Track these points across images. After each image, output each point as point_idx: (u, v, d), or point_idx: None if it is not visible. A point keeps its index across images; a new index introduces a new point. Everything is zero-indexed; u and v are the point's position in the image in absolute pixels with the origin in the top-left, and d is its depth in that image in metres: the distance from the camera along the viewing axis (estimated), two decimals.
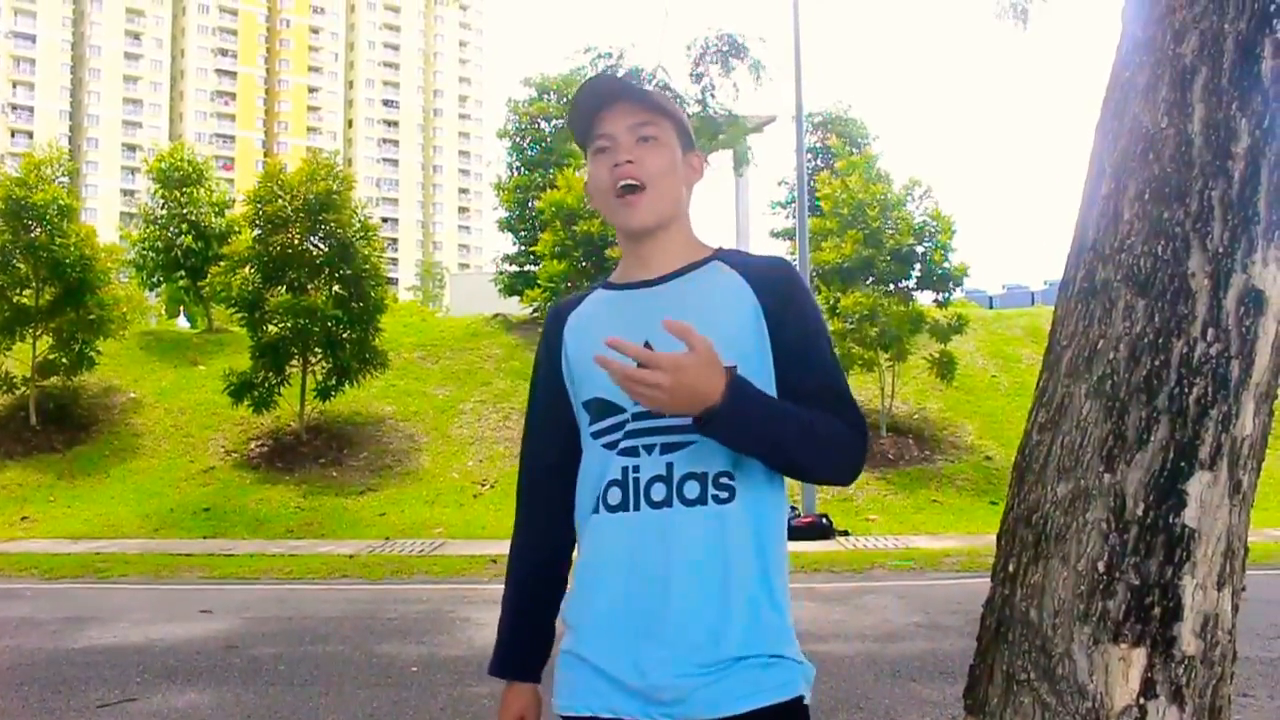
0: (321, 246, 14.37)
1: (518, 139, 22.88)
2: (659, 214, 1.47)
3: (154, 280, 20.13)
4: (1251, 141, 1.40)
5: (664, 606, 1.35)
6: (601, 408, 1.44)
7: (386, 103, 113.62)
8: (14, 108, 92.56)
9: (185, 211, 19.17)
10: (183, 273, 19.62)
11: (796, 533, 10.26)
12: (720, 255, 1.52)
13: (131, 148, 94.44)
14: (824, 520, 11.13)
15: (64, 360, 14.77)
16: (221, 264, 14.59)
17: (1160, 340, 1.40)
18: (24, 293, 14.81)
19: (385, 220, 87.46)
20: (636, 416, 1.40)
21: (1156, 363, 1.40)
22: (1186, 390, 1.39)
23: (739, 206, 20.39)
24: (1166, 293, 1.41)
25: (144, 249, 19.44)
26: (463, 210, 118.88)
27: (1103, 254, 1.48)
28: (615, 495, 1.40)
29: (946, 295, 14.98)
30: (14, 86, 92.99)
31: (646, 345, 1.32)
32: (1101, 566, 1.40)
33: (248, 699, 4.89)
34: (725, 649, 1.33)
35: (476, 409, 15.67)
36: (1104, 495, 1.41)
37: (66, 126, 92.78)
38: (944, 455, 14.20)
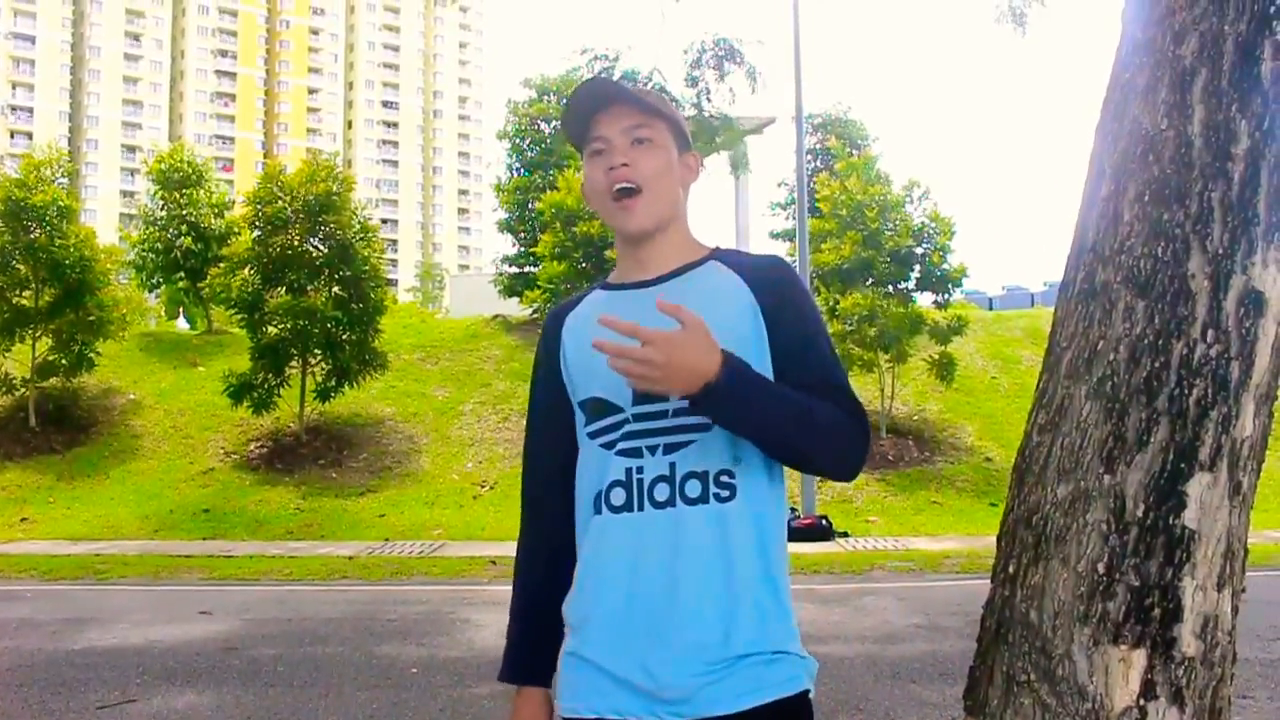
0: (321, 248, 14.37)
1: (517, 140, 22.90)
2: (656, 217, 1.47)
3: (153, 281, 20.14)
4: (1251, 143, 1.40)
5: (669, 606, 1.35)
6: (599, 407, 1.44)
7: (386, 104, 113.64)
8: (13, 109, 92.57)
9: (185, 213, 19.17)
10: (182, 274, 19.62)
11: (796, 534, 10.27)
12: (717, 255, 1.53)
13: (131, 149, 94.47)
14: (824, 522, 11.13)
15: (63, 361, 14.77)
16: (221, 265, 14.60)
17: (1160, 342, 1.41)
18: (23, 294, 14.81)
19: (385, 221, 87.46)
20: (636, 417, 1.41)
21: (1156, 364, 1.40)
22: (1186, 392, 1.39)
23: (739, 208, 20.39)
24: (1166, 294, 1.41)
25: (144, 250, 19.44)
26: (462, 211, 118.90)
27: (1103, 255, 1.48)
28: (619, 496, 1.39)
29: (946, 296, 14.99)
30: (14, 88, 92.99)
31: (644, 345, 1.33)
32: (1101, 568, 1.40)
33: (247, 700, 4.89)
34: (730, 647, 1.34)
35: (476, 410, 15.67)
36: (1104, 496, 1.41)
37: (66, 128, 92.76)
38: (944, 456, 14.20)
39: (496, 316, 19.78)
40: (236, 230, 17.54)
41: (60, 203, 14.94)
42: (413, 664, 5.63)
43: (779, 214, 27.23)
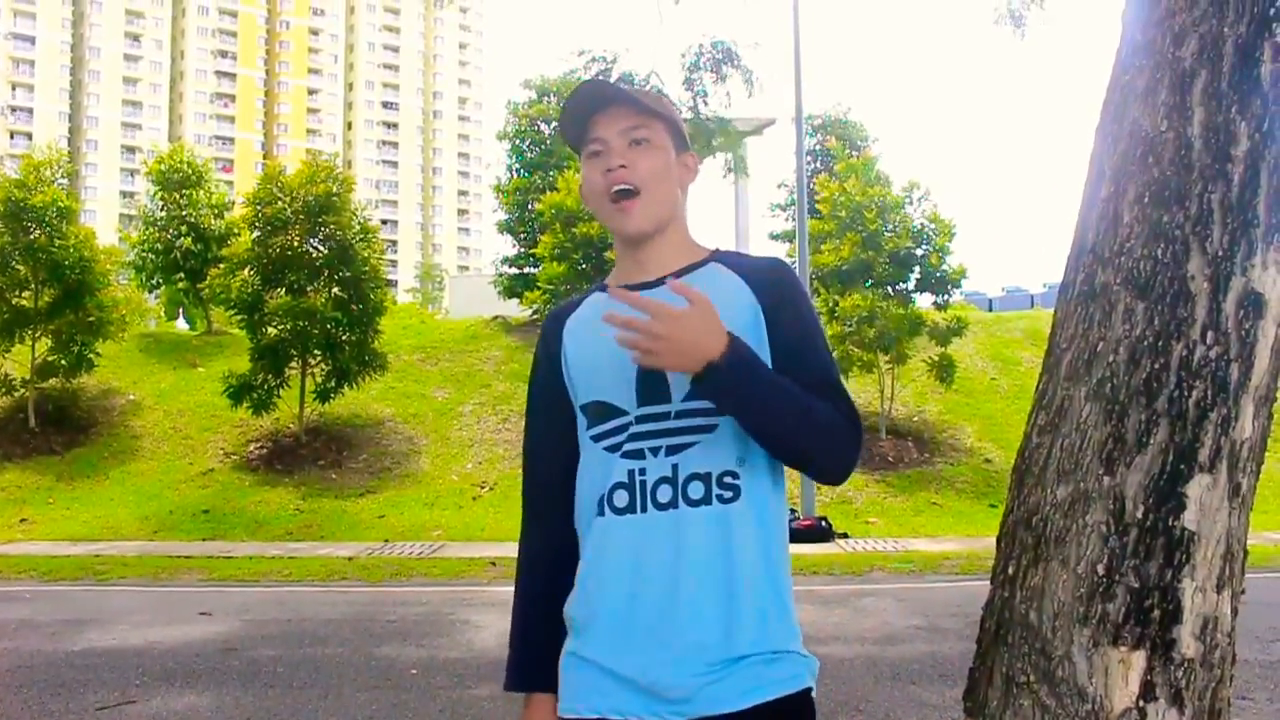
0: (321, 249, 14.36)
1: (517, 141, 22.89)
2: (654, 218, 1.47)
3: (153, 282, 20.12)
4: (1251, 145, 1.40)
5: (672, 607, 1.35)
6: (602, 410, 1.44)
7: (386, 105, 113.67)
8: (13, 109, 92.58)
9: (185, 213, 19.16)
10: (182, 275, 19.61)
11: (796, 535, 10.26)
12: (718, 257, 1.53)
13: (131, 149, 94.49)
14: (823, 523, 11.14)
15: (63, 362, 14.76)
16: (221, 266, 14.59)
17: (1160, 343, 1.41)
18: (23, 294, 14.81)
19: (385, 222, 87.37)
20: (640, 419, 1.41)
21: (1156, 366, 1.40)
22: (1186, 393, 1.39)
23: (738, 209, 20.39)
24: (1166, 296, 1.41)
25: (143, 251, 19.44)
26: (462, 212, 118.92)
27: (1102, 257, 1.49)
28: (622, 498, 1.40)
29: (945, 298, 14.99)
30: (13, 88, 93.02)
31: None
32: (1101, 569, 1.40)
33: (247, 701, 4.89)
34: (732, 648, 1.34)
35: (476, 411, 15.67)
36: (1104, 498, 1.41)
37: (66, 128, 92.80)
38: (943, 458, 14.20)
39: (496, 317, 19.78)
40: (236, 231, 17.52)
41: (60, 203, 14.93)
42: (412, 665, 5.63)
43: (779, 215, 27.25)
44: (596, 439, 1.44)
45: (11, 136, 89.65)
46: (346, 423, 15.13)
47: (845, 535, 11.20)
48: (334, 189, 14.39)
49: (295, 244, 14.08)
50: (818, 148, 25.56)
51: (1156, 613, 1.37)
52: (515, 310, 20.06)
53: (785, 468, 1.45)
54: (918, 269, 14.76)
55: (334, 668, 5.58)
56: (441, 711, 4.72)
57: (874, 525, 11.91)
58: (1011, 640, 1.48)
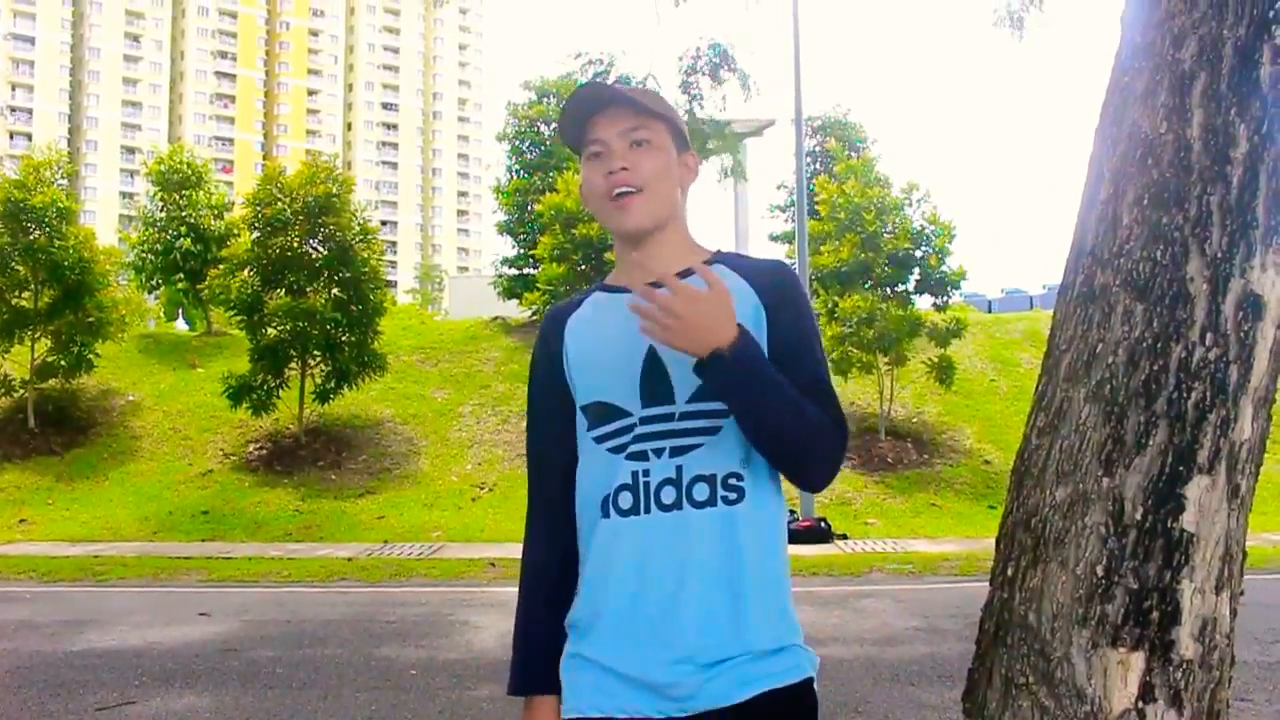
0: (321, 249, 14.36)
1: (517, 142, 22.89)
2: (654, 216, 1.48)
3: (153, 283, 20.11)
4: (1250, 147, 1.41)
5: (676, 607, 1.36)
6: (605, 411, 1.44)
7: (386, 105, 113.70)
8: (13, 110, 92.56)
9: (184, 214, 19.15)
10: (182, 275, 19.59)
11: (795, 536, 10.27)
12: (721, 258, 1.53)
13: (130, 150, 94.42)
14: (823, 524, 11.14)
15: (62, 363, 14.74)
16: (220, 267, 14.58)
17: (1159, 345, 1.41)
18: (23, 295, 14.79)
19: (384, 223, 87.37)
20: (644, 420, 1.41)
21: (1155, 367, 1.41)
22: (1185, 395, 1.39)
23: (738, 211, 20.39)
24: (1165, 297, 1.41)
25: (143, 251, 19.42)
26: (462, 213, 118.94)
27: (1101, 259, 1.49)
28: (626, 499, 1.40)
29: (945, 299, 14.99)
30: (13, 89, 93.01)
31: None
32: (1100, 570, 1.40)
33: (246, 702, 4.89)
34: (736, 646, 1.35)
35: (475, 412, 15.67)
36: (1103, 499, 1.42)
37: (65, 129, 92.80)
38: (943, 459, 14.20)
39: (496, 318, 19.79)
40: (236, 232, 17.52)
41: (60, 204, 14.92)
42: (412, 666, 5.63)
43: (778, 216, 27.27)
44: (599, 440, 1.44)
45: (11, 137, 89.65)
46: (346, 423, 15.13)
47: (844, 536, 11.20)
48: (334, 190, 14.38)
49: (295, 245, 14.07)
50: (817, 149, 25.57)
51: (1155, 614, 1.38)
52: (515, 311, 20.06)
53: None
54: (917, 271, 14.76)
55: (333, 668, 5.58)
56: (441, 712, 4.72)
57: (873, 526, 11.91)
58: (1010, 641, 1.48)
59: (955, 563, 9.41)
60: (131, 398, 16.07)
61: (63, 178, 16.00)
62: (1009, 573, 1.51)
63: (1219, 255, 1.40)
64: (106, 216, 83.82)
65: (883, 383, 14.58)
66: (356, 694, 5.03)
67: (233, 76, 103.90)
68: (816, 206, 15.48)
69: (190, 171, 19.62)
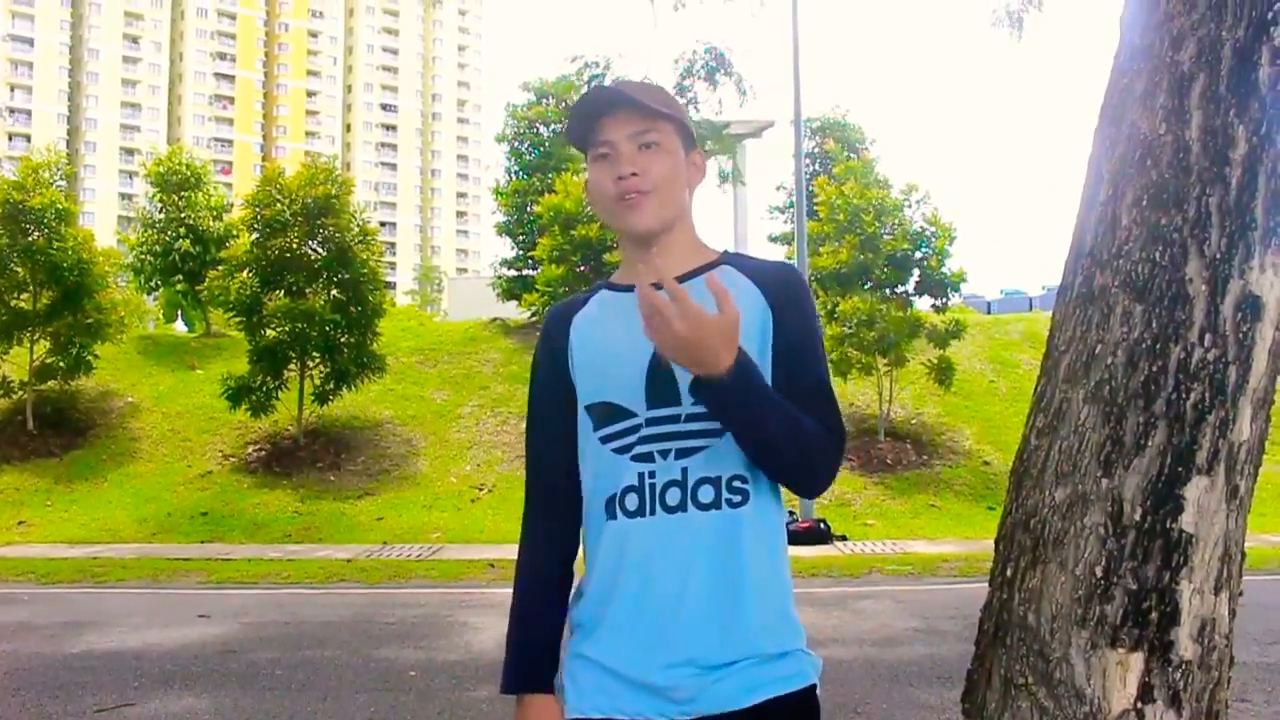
0: (320, 251, 14.35)
1: (516, 143, 22.89)
2: (662, 217, 1.47)
3: (152, 284, 20.10)
4: (1249, 148, 1.41)
5: (679, 608, 1.36)
6: (610, 412, 1.44)
7: (385, 107, 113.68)
8: (12, 111, 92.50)
9: (183, 215, 19.13)
10: (180, 277, 19.57)
11: (795, 537, 10.27)
12: (728, 259, 1.53)
13: (129, 151, 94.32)
14: (822, 525, 11.14)
15: (61, 364, 14.73)
16: (219, 268, 14.58)
17: (1158, 346, 1.41)
18: (21, 297, 14.77)
19: (383, 224, 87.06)
20: (650, 422, 1.41)
21: (1154, 368, 1.41)
22: (1184, 395, 1.39)
23: (737, 212, 20.42)
24: (1164, 298, 1.41)
25: (142, 253, 19.40)
26: (461, 214, 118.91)
27: (1101, 260, 1.49)
28: (633, 501, 1.40)
29: (944, 300, 14.99)
30: (12, 90, 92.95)
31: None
32: (1099, 571, 1.40)
33: (245, 704, 4.88)
34: (739, 648, 1.36)
35: (474, 413, 15.67)
36: (1102, 500, 1.42)
37: (64, 130, 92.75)
38: (942, 460, 14.20)
39: (495, 319, 19.78)
40: (235, 233, 17.50)
41: (58, 205, 14.91)
42: (411, 667, 5.63)
43: (777, 217, 27.27)
44: (605, 440, 1.44)
45: (10, 138, 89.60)
46: (345, 425, 15.12)
47: (844, 537, 11.20)
48: (333, 191, 14.37)
49: (294, 246, 14.06)
50: (816, 150, 25.57)
51: (1154, 615, 1.38)
52: (514, 312, 20.05)
53: None
54: (916, 272, 14.76)
55: (332, 670, 5.58)
56: (440, 713, 4.72)
57: (872, 527, 11.91)
58: (1010, 642, 1.48)
59: (954, 564, 9.42)
60: (130, 399, 16.06)
61: (61, 179, 15.99)
62: (1008, 573, 1.51)
63: (1218, 256, 1.40)
64: (105, 218, 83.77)
65: (882, 384, 14.58)
66: (356, 695, 5.02)
67: (231, 78, 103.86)
68: (816, 208, 15.49)
69: (189, 173, 19.61)
